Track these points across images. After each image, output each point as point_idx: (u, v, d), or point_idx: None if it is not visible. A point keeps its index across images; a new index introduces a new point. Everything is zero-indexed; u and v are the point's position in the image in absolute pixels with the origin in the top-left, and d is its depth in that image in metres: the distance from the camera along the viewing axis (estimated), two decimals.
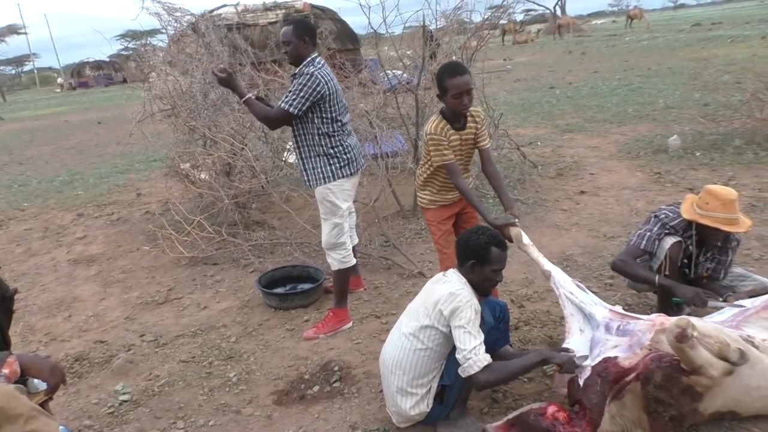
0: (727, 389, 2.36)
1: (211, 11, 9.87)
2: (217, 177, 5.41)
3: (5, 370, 2.04)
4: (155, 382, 3.30)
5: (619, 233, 4.80)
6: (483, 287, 2.61)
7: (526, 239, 2.96)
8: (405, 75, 6.32)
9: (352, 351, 3.45)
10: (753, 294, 2.90)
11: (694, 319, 2.34)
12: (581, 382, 2.48)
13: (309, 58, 3.47)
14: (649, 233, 3.10)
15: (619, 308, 2.76)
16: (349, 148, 3.61)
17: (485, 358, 2.37)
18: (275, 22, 11.05)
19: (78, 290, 4.86)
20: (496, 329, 2.70)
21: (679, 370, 2.29)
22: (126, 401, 3.14)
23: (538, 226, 5.14)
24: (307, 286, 4.26)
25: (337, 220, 3.62)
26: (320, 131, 3.50)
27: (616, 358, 2.44)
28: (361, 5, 5.35)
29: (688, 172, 6.21)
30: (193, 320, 4.09)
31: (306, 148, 3.56)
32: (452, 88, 2.99)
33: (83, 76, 45.50)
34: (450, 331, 2.45)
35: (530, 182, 6.38)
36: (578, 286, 2.88)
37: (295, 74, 3.50)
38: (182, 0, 6.63)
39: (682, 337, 2.19)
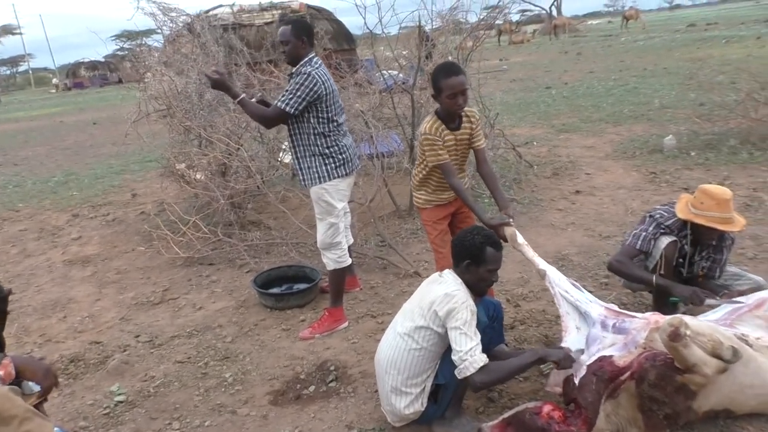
0: (721, 387, 2.37)
1: (207, 11, 9.86)
2: (212, 177, 5.40)
3: (0, 372, 2.03)
4: (151, 383, 3.29)
5: (614, 233, 4.81)
6: (478, 287, 2.62)
7: (520, 239, 2.96)
8: (401, 75, 6.33)
9: (348, 351, 3.45)
10: (746, 293, 2.91)
11: (687, 318, 2.35)
12: (577, 381, 2.49)
13: (306, 58, 3.47)
14: (644, 233, 3.10)
15: (614, 306, 2.77)
16: (345, 149, 3.61)
17: (481, 359, 2.37)
18: (271, 23, 11.03)
19: (73, 291, 4.85)
20: (490, 328, 2.70)
21: (673, 368, 2.30)
22: (121, 402, 3.13)
23: (534, 226, 5.15)
24: (302, 286, 4.25)
25: (333, 220, 3.62)
26: (316, 131, 3.50)
27: (611, 356, 2.44)
28: (356, 6, 5.35)
29: (684, 171, 6.23)
30: (188, 321, 4.08)
31: (302, 148, 3.56)
32: (447, 89, 2.99)
33: (78, 76, 45.33)
34: (445, 332, 2.45)
35: (526, 182, 6.39)
36: (573, 284, 2.88)
37: (292, 74, 3.50)
38: (178, 0, 6.64)
39: (675, 336, 2.20)
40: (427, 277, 2.80)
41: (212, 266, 5.01)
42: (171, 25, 6.34)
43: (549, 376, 2.81)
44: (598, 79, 14.26)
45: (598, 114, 9.89)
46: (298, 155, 3.59)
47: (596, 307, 2.72)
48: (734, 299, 2.83)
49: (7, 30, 58.10)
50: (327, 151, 3.53)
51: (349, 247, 3.89)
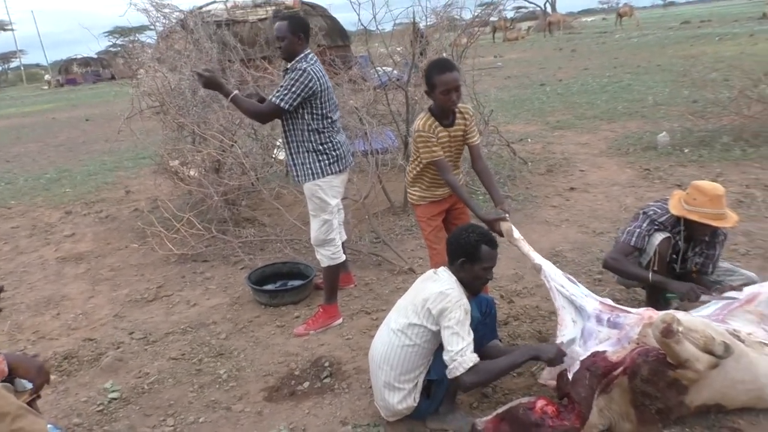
0: (713, 382, 2.39)
1: (200, 8, 9.83)
2: (206, 174, 5.39)
3: None
4: (145, 380, 3.28)
5: (608, 229, 4.83)
6: (473, 285, 2.62)
7: (516, 234, 2.97)
8: (395, 72, 6.32)
9: (343, 347, 3.46)
10: (738, 289, 2.93)
11: (679, 314, 2.36)
12: (570, 376, 2.50)
13: (302, 54, 3.47)
14: (638, 230, 3.11)
15: (609, 300, 2.77)
16: (339, 145, 3.61)
17: (471, 360, 2.37)
18: (265, 19, 11.01)
19: (66, 288, 4.83)
20: (482, 324, 2.71)
21: (665, 364, 2.31)
22: (115, 399, 3.12)
23: (528, 223, 5.16)
24: (297, 282, 4.26)
25: (327, 217, 3.62)
26: (310, 127, 3.50)
27: (604, 352, 2.46)
28: (351, 2, 5.35)
29: (677, 168, 6.25)
30: (182, 317, 4.07)
31: (295, 144, 3.55)
32: (441, 85, 2.99)
33: (71, 72, 45.12)
34: (438, 329, 2.45)
35: (520, 179, 6.41)
36: (569, 279, 2.89)
37: (287, 69, 3.49)
38: None
39: (667, 332, 2.22)
40: (422, 273, 2.80)
41: (206, 263, 5.01)
42: (164, 21, 6.32)
43: (543, 370, 2.82)
44: (593, 76, 14.30)
45: (593, 111, 9.92)
46: (292, 151, 3.59)
47: (591, 302, 2.73)
48: (728, 294, 2.85)
49: None
50: (321, 147, 3.53)
51: (342, 244, 3.89)
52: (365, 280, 4.36)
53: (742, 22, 26.67)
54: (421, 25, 6.32)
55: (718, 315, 2.71)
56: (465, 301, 2.49)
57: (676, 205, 3.04)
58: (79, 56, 45.07)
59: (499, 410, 2.49)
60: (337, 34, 12.76)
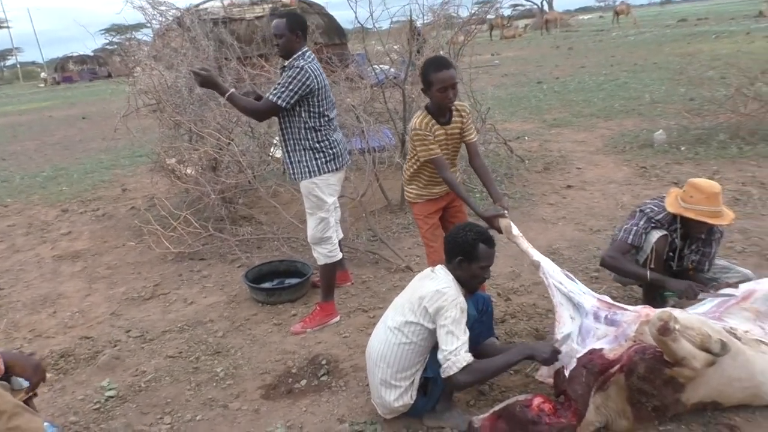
0: (710, 380, 2.40)
1: (197, 5, 9.79)
2: (203, 172, 5.38)
3: None
4: (142, 378, 3.28)
5: (605, 227, 4.84)
6: (470, 284, 2.62)
7: (515, 230, 2.97)
8: (392, 70, 6.32)
9: (340, 345, 3.46)
10: (734, 286, 2.93)
11: (676, 312, 2.36)
12: (567, 374, 2.50)
13: (300, 52, 3.46)
14: (635, 228, 3.12)
15: (606, 297, 2.78)
16: (335, 143, 3.61)
17: (464, 360, 2.37)
18: (262, 17, 10.98)
19: (63, 286, 4.82)
20: (479, 322, 2.71)
21: (662, 361, 2.32)
22: (112, 397, 3.12)
23: (525, 220, 5.17)
24: (294, 280, 4.25)
25: (323, 215, 3.62)
26: (307, 125, 3.49)
27: (601, 349, 2.46)
28: (348, 0, 5.33)
29: (673, 166, 6.27)
30: (179, 315, 4.07)
31: (292, 142, 3.55)
32: (437, 82, 2.99)
33: (67, 70, 44.87)
34: (434, 328, 2.45)
35: (517, 177, 6.41)
36: (567, 275, 2.89)
37: (284, 67, 3.48)
38: None
39: (664, 330, 2.22)
40: (419, 271, 2.80)
41: (203, 261, 5.00)
42: (160, 18, 6.30)
43: (538, 370, 2.83)
44: (590, 74, 14.31)
45: (589, 109, 9.93)
46: (289, 149, 3.58)
47: (589, 299, 2.73)
48: (724, 291, 2.85)
49: None
50: (318, 145, 3.53)
51: (339, 242, 3.88)
52: (362, 278, 4.36)
53: (738, 20, 26.72)
54: (418, 23, 6.32)
55: (715, 312, 2.72)
56: (461, 299, 2.49)
57: (673, 202, 3.04)
58: (75, 54, 44.87)
59: (496, 408, 2.50)
60: (334, 31, 12.73)
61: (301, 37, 3.48)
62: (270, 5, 11.38)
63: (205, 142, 5.33)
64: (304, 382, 3.12)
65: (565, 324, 2.73)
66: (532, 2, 46.86)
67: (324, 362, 3.26)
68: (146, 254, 5.26)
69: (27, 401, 2.12)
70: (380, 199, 5.66)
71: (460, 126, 3.20)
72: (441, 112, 3.13)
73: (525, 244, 2.96)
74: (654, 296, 3.21)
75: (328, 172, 3.58)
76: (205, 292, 4.43)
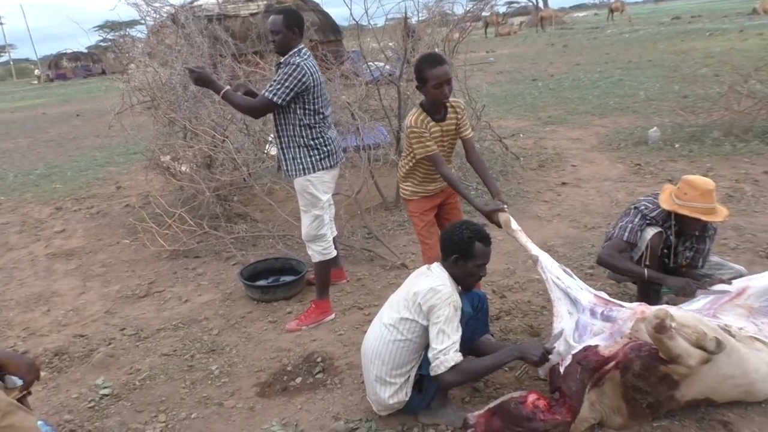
0: (704, 378, 2.40)
1: (191, 2, 9.75)
2: (198, 169, 5.36)
3: None
4: (136, 376, 3.27)
5: (599, 224, 4.85)
6: (466, 282, 2.63)
7: (514, 224, 2.97)
8: (387, 67, 6.31)
9: (335, 342, 3.46)
10: (727, 282, 2.94)
11: (672, 310, 2.37)
12: (562, 370, 2.51)
13: (295, 49, 3.45)
14: (630, 225, 3.12)
15: (603, 294, 2.78)
16: (330, 141, 3.60)
17: (453, 359, 2.38)
18: (256, 13, 10.96)
19: (57, 284, 4.80)
20: (474, 319, 2.72)
21: (657, 359, 2.33)
22: (107, 395, 3.11)
23: (520, 218, 5.16)
24: (289, 278, 4.25)
25: (317, 212, 3.62)
26: (302, 122, 3.48)
27: (596, 346, 2.47)
28: None
29: (668, 163, 6.29)
30: (174, 313, 4.06)
31: (287, 139, 3.54)
32: (433, 78, 2.99)
33: (61, 67, 44.65)
34: (429, 325, 2.46)
35: (512, 174, 6.42)
36: (565, 271, 2.90)
37: (280, 63, 3.48)
38: None
39: (660, 328, 2.23)
40: (414, 268, 2.80)
41: (198, 259, 4.99)
42: (155, 15, 6.27)
43: (527, 372, 2.84)
44: (584, 71, 14.33)
45: (584, 106, 9.94)
46: (283, 146, 3.58)
47: (586, 294, 2.74)
48: (719, 287, 2.85)
49: None
50: (312, 142, 3.52)
51: (333, 239, 3.88)
52: (357, 275, 4.36)
53: (731, 18, 26.79)
54: (414, 20, 6.31)
55: (709, 309, 2.73)
56: (456, 297, 2.49)
57: (667, 199, 3.05)
58: (69, 51, 44.62)
59: (491, 404, 2.50)
60: (329, 29, 12.74)
61: (298, 34, 3.47)
62: (265, 2, 11.36)
63: (200, 139, 5.31)
64: (299, 379, 3.12)
65: (563, 319, 2.74)
66: None
67: (319, 360, 3.26)
68: (141, 252, 5.24)
69: (21, 400, 2.11)
70: (375, 196, 5.66)
71: (455, 122, 3.21)
72: (436, 108, 3.13)
73: (524, 239, 2.96)
74: (648, 293, 3.22)
75: (323, 169, 3.57)
76: (200, 289, 4.42)
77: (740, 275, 3.08)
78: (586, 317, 2.66)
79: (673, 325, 2.24)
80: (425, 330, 2.48)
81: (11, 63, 64.80)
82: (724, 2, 44.87)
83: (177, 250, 5.05)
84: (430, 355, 2.42)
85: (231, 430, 2.78)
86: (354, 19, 5.58)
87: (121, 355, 3.53)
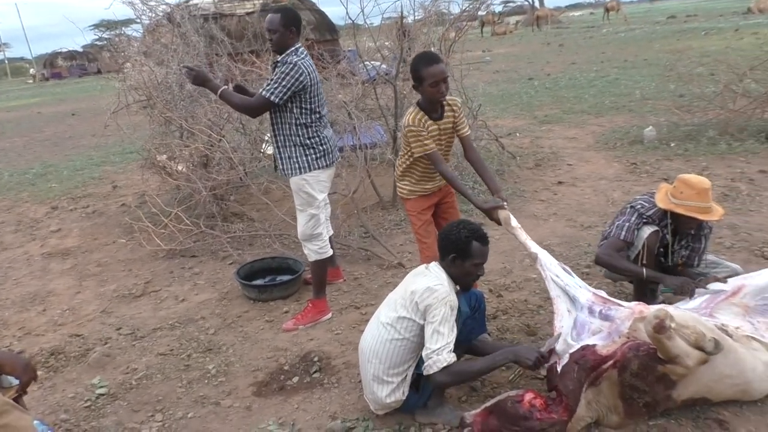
0: (701, 377, 2.41)
1: (187, 1, 9.73)
2: (194, 169, 5.35)
3: None
4: (133, 375, 3.27)
5: (596, 223, 4.86)
6: (464, 281, 2.63)
7: (514, 222, 2.97)
8: (384, 66, 6.30)
9: (332, 342, 3.46)
10: (723, 281, 2.95)
11: (671, 310, 2.38)
12: (559, 369, 2.51)
13: (292, 48, 3.44)
14: (627, 224, 3.13)
15: (602, 292, 2.79)
16: (326, 140, 3.60)
17: (446, 360, 2.38)
18: (252, 12, 10.95)
19: (53, 284, 4.79)
20: (471, 318, 2.72)
21: (655, 359, 2.33)
22: (103, 395, 3.11)
23: (517, 217, 5.02)
24: (286, 277, 4.24)
25: (314, 211, 3.61)
26: (298, 122, 3.48)
27: (594, 345, 2.47)
28: None
29: (663, 162, 6.30)
30: (170, 313, 4.05)
31: (283, 138, 3.54)
32: (429, 77, 2.99)
33: (56, 66, 44.48)
34: (425, 324, 2.46)
35: (509, 173, 6.42)
36: (564, 269, 2.90)
37: (276, 62, 3.47)
38: None
39: (660, 328, 2.23)
40: (411, 268, 2.81)
41: (195, 258, 4.98)
42: (150, 14, 6.25)
43: (521, 376, 2.85)
44: (580, 70, 14.35)
45: (580, 105, 9.96)
46: (279, 145, 3.58)
47: (585, 293, 2.74)
48: (715, 286, 2.86)
49: None
50: (308, 141, 3.52)
51: (330, 239, 3.88)
52: (354, 274, 4.36)
53: (727, 17, 26.86)
54: (410, 19, 6.31)
55: (705, 308, 2.74)
56: (453, 297, 2.50)
57: (663, 198, 3.06)
58: (64, 50, 44.47)
59: (488, 403, 2.50)
60: (325, 28, 12.73)
61: (295, 33, 3.47)
62: (261, 1, 11.35)
63: (196, 138, 5.30)
64: (296, 379, 3.12)
65: (564, 316, 2.74)
66: None
67: (316, 359, 3.26)
68: (137, 251, 5.23)
69: (17, 399, 2.11)
70: (372, 195, 5.66)
71: (452, 121, 3.21)
72: (433, 107, 3.13)
73: (523, 236, 2.96)
74: (645, 292, 3.23)
75: (319, 168, 3.57)
76: (196, 289, 4.41)
77: (736, 274, 3.10)
78: (584, 315, 2.66)
79: (673, 325, 2.25)
80: (422, 329, 2.48)
81: (6, 62, 64.51)
82: (720, 1, 45.03)
83: (173, 250, 5.04)
84: (423, 354, 2.42)
85: (228, 430, 2.77)
86: (350, 18, 5.57)
87: (118, 355, 3.52)
